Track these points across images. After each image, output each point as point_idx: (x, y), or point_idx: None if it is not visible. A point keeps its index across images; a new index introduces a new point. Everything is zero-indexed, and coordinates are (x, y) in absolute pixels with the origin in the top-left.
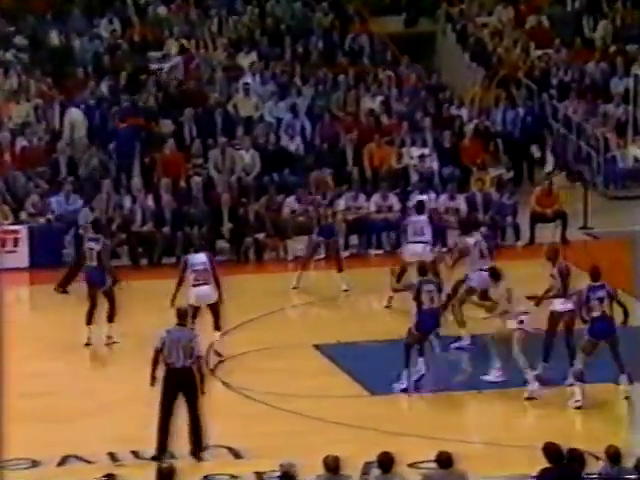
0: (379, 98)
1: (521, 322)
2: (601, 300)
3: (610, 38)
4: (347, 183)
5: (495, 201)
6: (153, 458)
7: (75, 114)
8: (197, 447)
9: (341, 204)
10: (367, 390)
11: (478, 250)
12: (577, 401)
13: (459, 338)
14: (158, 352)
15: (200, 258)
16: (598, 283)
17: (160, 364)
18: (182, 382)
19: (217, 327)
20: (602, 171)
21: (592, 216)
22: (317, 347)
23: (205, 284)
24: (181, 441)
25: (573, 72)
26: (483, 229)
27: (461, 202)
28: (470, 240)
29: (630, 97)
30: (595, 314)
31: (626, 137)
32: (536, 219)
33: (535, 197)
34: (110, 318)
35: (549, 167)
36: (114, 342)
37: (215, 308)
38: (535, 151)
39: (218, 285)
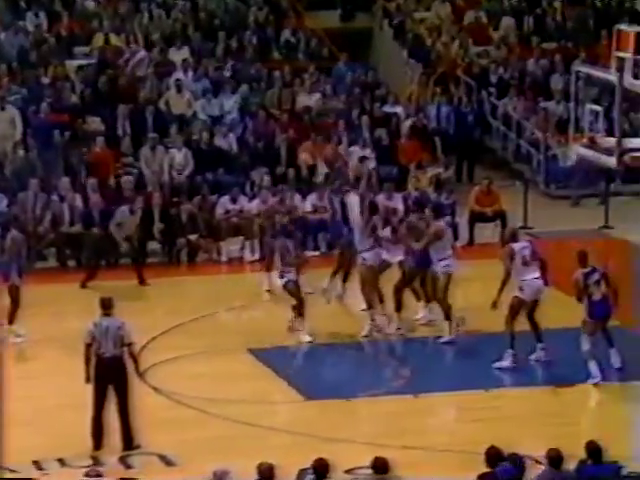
0: (315, 95)
1: None
2: (598, 283)
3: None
4: (282, 183)
5: (432, 200)
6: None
7: (12, 111)
8: (128, 442)
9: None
10: (302, 395)
11: (448, 235)
12: (594, 378)
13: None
14: (88, 346)
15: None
16: (589, 268)
17: (92, 358)
18: (111, 371)
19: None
20: (542, 170)
21: (532, 216)
22: (251, 351)
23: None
24: (109, 448)
25: (512, 69)
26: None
27: (398, 202)
28: (442, 224)
29: (571, 94)
30: (596, 297)
31: (567, 135)
32: (475, 219)
33: (474, 196)
34: (10, 319)
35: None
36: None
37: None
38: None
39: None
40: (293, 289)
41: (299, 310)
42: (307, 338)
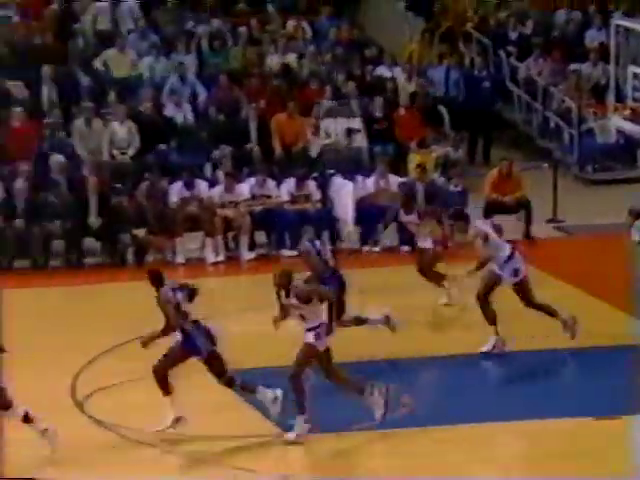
0: (291, 56)
1: None
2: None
3: None
4: (251, 165)
5: (440, 190)
6: None
7: None
8: None
9: (244, 192)
10: (282, 428)
11: None
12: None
13: None
14: None
15: None
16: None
17: None
18: None
19: None
20: (575, 148)
21: (563, 205)
22: None
23: None
24: None
25: (536, 23)
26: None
27: (393, 182)
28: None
29: (611, 54)
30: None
31: (605, 105)
32: (492, 210)
33: (491, 182)
34: None
35: None
36: None
37: None
38: None
39: None
40: None
41: None
42: None
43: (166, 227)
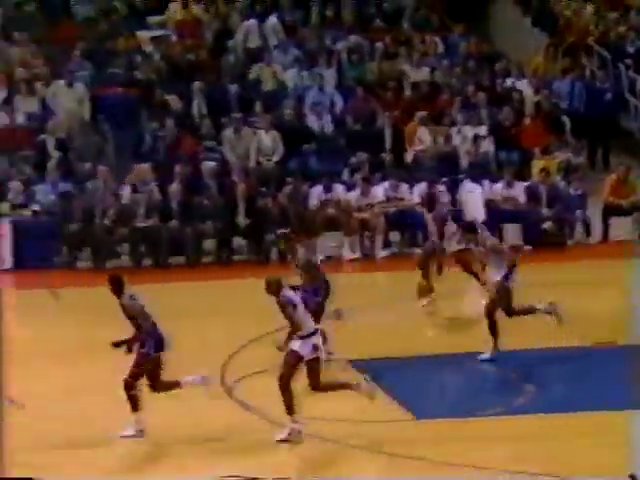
0: (424, 69)
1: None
2: None
3: None
4: (384, 170)
5: (562, 193)
6: None
7: (80, 87)
8: None
9: (379, 195)
10: (411, 413)
11: None
12: None
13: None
14: None
15: None
16: None
17: None
18: None
19: None
20: None
21: None
22: (353, 363)
23: None
24: None
25: None
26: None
27: (520, 190)
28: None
29: None
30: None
31: None
32: (610, 212)
33: (609, 186)
34: None
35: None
36: None
37: None
38: None
39: None
40: None
41: None
42: None
43: (307, 227)
